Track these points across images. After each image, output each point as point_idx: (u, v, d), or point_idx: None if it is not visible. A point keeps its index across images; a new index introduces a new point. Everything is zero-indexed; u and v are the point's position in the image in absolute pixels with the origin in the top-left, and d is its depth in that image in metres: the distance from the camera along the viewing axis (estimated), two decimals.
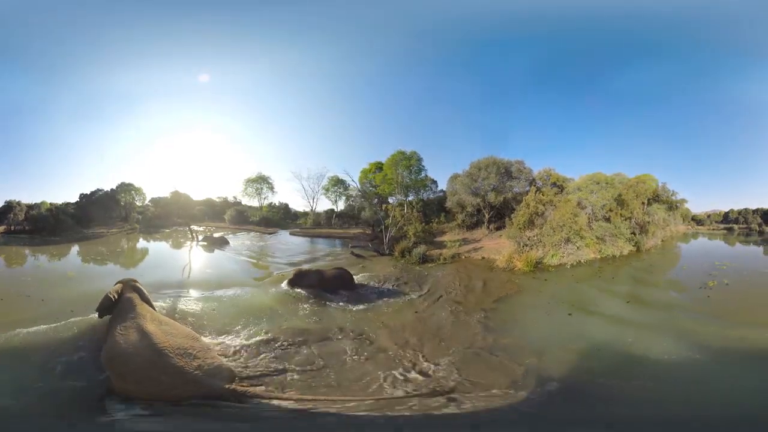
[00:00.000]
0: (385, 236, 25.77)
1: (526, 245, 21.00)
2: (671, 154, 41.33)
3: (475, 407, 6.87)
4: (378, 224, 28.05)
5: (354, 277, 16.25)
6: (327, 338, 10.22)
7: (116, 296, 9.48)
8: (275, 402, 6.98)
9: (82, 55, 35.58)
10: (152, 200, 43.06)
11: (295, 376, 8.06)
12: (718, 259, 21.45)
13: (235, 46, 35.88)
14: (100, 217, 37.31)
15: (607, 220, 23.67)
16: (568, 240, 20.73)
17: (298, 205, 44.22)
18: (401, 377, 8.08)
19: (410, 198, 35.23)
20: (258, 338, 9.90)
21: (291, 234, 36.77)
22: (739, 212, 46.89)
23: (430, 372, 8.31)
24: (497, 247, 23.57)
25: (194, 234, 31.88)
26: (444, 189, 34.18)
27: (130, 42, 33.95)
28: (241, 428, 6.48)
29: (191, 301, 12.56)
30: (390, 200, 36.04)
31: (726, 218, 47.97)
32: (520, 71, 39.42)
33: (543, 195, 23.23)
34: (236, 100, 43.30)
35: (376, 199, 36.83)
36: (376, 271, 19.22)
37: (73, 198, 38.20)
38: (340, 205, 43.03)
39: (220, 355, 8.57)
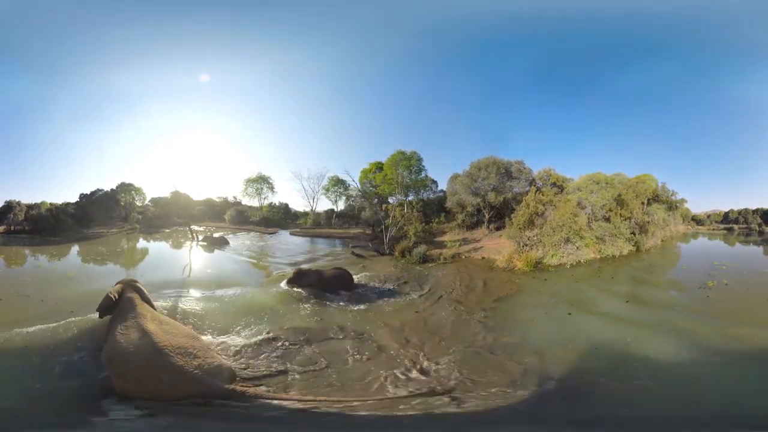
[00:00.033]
0: (386, 236, 25.78)
1: (526, 245, 21.02)
2: (671, 154, 41.55)
3: (476, 407, 6.88)
4: (378, 224, 28.07)
5: (355, 276, 16.28)
6: (329, 338, 10.24)
7: (117, 296, 9.48)
8: (277, 402, 6.98)
9: (82, 55, 35.74)
10: (152, 200, 43.08)
11: (297, 376, 8.07)
12: (717, 259, 21.46)
13: (235, 46, 36.02)
14: (100, 217, 37.31)
15: (607, 220, 23.68)
16: (567, 240, 20.74)
17: (298, 205, 44.37)
18: (403, 377, 8.09)
19: (410, 198, 35.26)
20: (260, 338, 9.91)
21: (291, 234, 36.77)
22: (739, 212, 46.91)
23: (432, 371, 8.33)
24: (497, 247, 23.58)
25: (194, 234, 31.87)
26: (444, 189, 34.24)
27: (130, 42, 34.08)
28: (241, 428, 6.47)
29: (192, 301, 12.56)
30: (390, 200, 36.08)
31: (726, 218, 47.99)
32: (520, 71, 39.60)
33: (543, 195, 23.24)
34: (236, 100, 43.54)
35: (376, 199, 36.85)
36: (376, 270, 19.23)
37: (73, 198, 38.34)
38: (341, 205, 43.12)
39: (220, 354, 8.59)
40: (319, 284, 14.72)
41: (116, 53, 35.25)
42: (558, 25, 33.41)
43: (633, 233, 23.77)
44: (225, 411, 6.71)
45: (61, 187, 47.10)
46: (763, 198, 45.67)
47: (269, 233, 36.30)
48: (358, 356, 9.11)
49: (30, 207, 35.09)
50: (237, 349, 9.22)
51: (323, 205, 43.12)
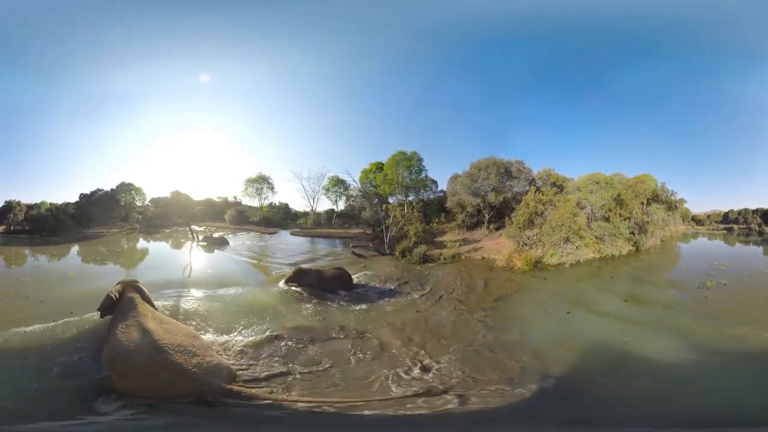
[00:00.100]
0: (386, 236, 25.80)
1: (526, 245, 21.04)
2: (671, 154, 41.36)
3: (477, 405, 6.89)
4: (378, 224, 28.09)
5: (355, 276, 16.29)
6: (331, 337, 10.26)
7: (117, 296, 9.50)
8: (277, 402, 6.97)
9: (82, 55, 35.67)
10: (152, 200, 43.05)
11: (299, 376, 8.06)
12: (717, 259, 21.48)
13: (235, 46, 35.98)
14: (100, 217, 37.28)
15: (607, 219, 23.70)
16: (567, 239, 20.76)
17: (299, 205, 44.28)
18: (406, 376, 8.11)
19: (410, 198, 35.26)
20: (262, 337, 9.93)
21: (291, 234, 36.76)
22: (739, 212, 46.92)
23: (433, 370, 8.36)
24: (497, 246, 23.61)
25: (194, 234, 31.87)
26: (444, 189, 34.23)
27: (130, 42, 34.03)
28: (241, 428, 6.46)
29: (193, 301, 12.57)
30: (390, 200, 36.08)
31: (726, 218, 47.99)
32: (520, 71, 39.52)
33: (543, 195, 23.26)
34: (236, 100, 43.43)
35: (376, 199, 36.85)
36: (377, 270, 19.25)
37: (73, 198, 38.27)
38: (341, 205, 43.08)
39: (221, 354, 8.59)
40: (319, 284, 14.73)
41: (116, 53, 35.24)
42: (558, 26, 33.43)
43: (632, 233, 23.79)
44: (224, 411, 6.69)
45: (61, 187, 46.96)
46: (763, 198, 45.67)
47: (269, 233, 36.30)
48: (360, 355, 9.14)
49: (30, 207, 35.06)
50: (240, 348, 9.23)
51: (323, 205, 43.15)
